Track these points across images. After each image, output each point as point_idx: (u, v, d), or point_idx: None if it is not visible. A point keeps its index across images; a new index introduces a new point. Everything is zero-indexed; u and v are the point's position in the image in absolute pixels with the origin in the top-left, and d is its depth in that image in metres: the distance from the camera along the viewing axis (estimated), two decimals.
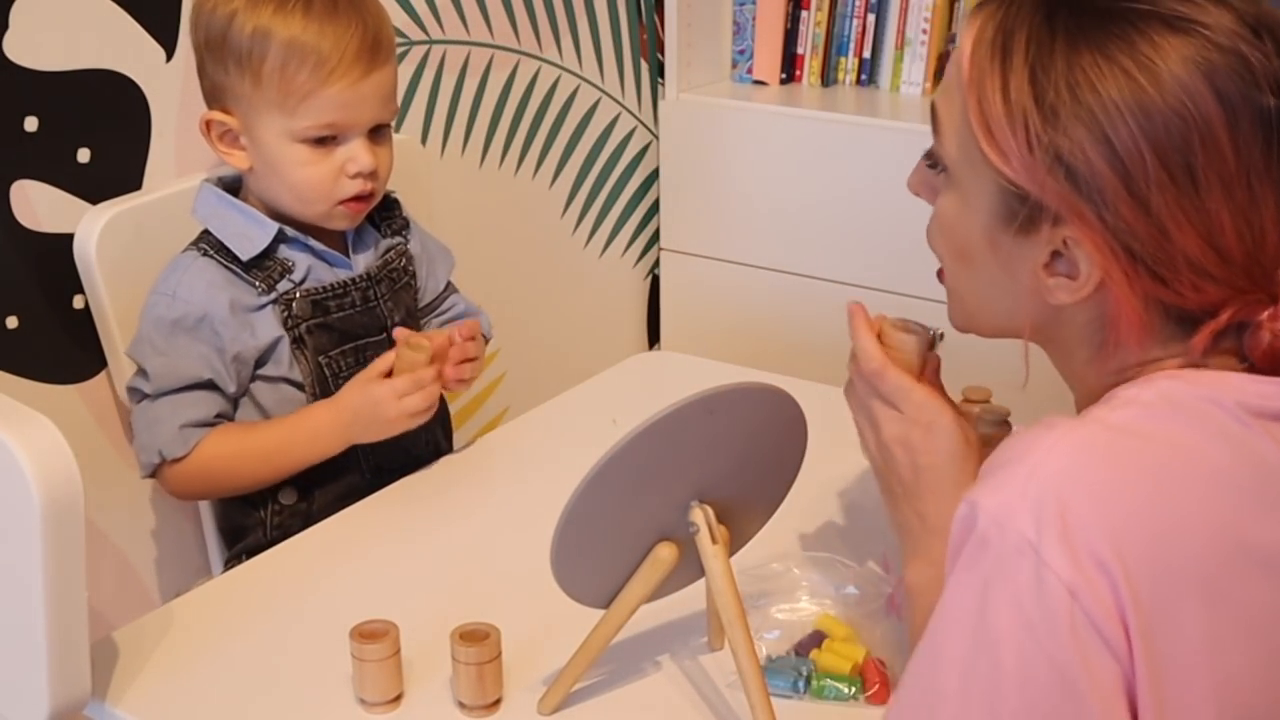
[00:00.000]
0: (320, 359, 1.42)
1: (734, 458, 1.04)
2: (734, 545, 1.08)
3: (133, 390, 1.42)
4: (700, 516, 1.03)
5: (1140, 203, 0.88)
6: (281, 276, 1.41)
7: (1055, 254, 0.93)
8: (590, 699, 1.09)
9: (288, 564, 1.30)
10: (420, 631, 1.12)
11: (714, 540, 1.03)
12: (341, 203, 1.41)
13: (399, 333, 1.43)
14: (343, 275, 1.45)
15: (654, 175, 2.44)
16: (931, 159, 1.01)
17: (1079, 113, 0.88)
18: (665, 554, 1.04)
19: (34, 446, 1.00)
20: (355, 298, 1.45)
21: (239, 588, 1.28)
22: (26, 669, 1.04)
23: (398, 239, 1.52)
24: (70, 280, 1.49)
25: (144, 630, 1.19)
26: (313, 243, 1.43)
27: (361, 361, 1.44)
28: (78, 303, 1.51)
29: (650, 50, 2.40)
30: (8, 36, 1.41)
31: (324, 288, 1.43)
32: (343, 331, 1.44)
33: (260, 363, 1.42)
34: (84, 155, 1.51)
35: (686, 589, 1.10)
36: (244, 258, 1.40)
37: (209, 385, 1.39)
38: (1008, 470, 0.85)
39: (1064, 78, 0.88)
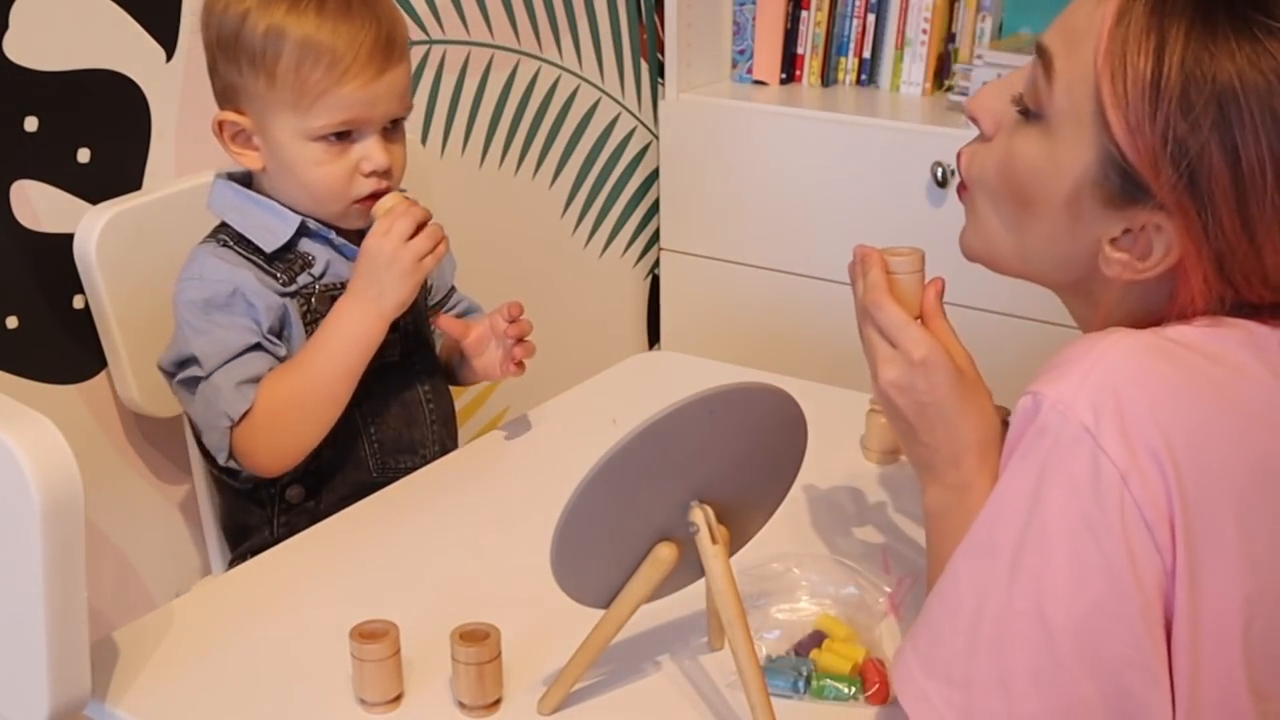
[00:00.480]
0: None
1: (734, 458, 1.04)
2: (734, 545, 1.08)
3: (188, 381, 1.39)
4: (700, 516, 1.03)
5: (1246, 220, 0.89)
6: (301, 270, 1.40)
7: (1127, 230, 0.94)
8: (590, 699, 1.09)
9: (288, 563, 1.30)
10: (420, 631, 1.12)
11: (714, 540, 1.03)
12: (357, 202, 1.40)
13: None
14: None
15: (654, 175, 2.44)
16: (1023, 104, 1.00)
17: (1220, 120, 0.88)
18: (665, 554, 1.04)
19: (34, 446, 1.00)
20: None
21: (239, 588, 1.28)
22: (26, 669, 1.04)
23: None
24: (70, 280, 1.49)
25: (144, 630, 1.19)
26: (334, 236, 1.42)
27: (377, 359, 1.42)
28: (78, 303, 1.51)
29: (650, 50, 2.40)
30: (8, 36, 1.41)
31: (342, 283, 1.42)
32: None
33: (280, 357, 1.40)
34: (84, 155, 1.51)
35: (686, 589, 1.10)
36: (268, 250, 1.39)
37: (256, 347, 1.37)
38: (1068, 365, 0.88)
39: (1213, 81, 0.88)
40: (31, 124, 1.45)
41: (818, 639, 1.12)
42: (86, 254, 1.46)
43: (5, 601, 1.05)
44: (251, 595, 1.26)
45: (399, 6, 1.42)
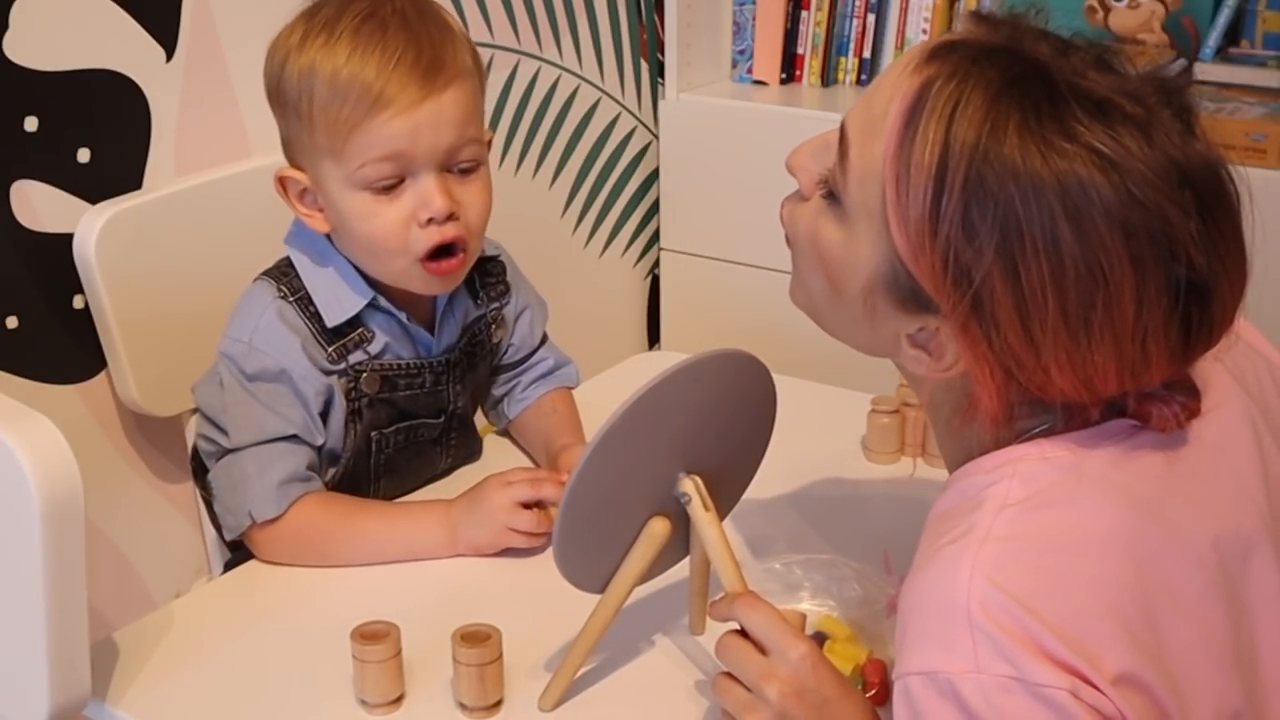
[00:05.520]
0: (372, 433, 1.34)
1: (714, 425, 1.06)
2: (720, 514, 1.08)
3: (207, 441, 1.34)
4: (690, 486, 1.04)
5: (1030, 340, 0.87)
6: (356, 346, 1.30)
7: (922, 329, 0.93)
8: (588, 689, 1.09)
9: (288, 565, 1.30)
10: (421, 633, 1.12)
11: (706, 507, 1.04)
12: (422, 260, 1.25)
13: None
14: (421, 354, 1.35)
15: (654, 175, 2.44)
16: (826, 186, 0.97)
17: (1001, 245, 0.85)
18: (659, 528, 1.05)
19: (34, 446, 1.00)
20: (426, 379, 1.35)
21: (239, 588, 1.28)
22: (26, 669, 1.04)
23: (494, 305, 1.43)
24: (70, 280, 1.48)
25: (144, 630, 1.19)
26: (404, 318, 1.32)
27: (413, 439, 1.38)
28: (78, 303, 1.51)
29: (650, 50, 2.40)
30: (8, 36, 1.41)
31: (397, 365, 1.33)
32: (403, 410, 1.35)
33: None
34: (84, 155, 1.50)
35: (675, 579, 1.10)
36: (328, 323, 1.29)
37: (293, 439, 1.28)
38: (939, 624, 0.84)
39: (996, 208, 0.85)
40: (31, 124, 1.45)
41: (819, 640, 1.12)
42: (86, 254, 1.46)
43: (5, 601, 1.05)
44: (252, 596, 1.26)
45: (455, 25, 1.28)
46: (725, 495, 1.10)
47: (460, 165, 1.26)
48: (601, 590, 1.07)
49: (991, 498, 0.89)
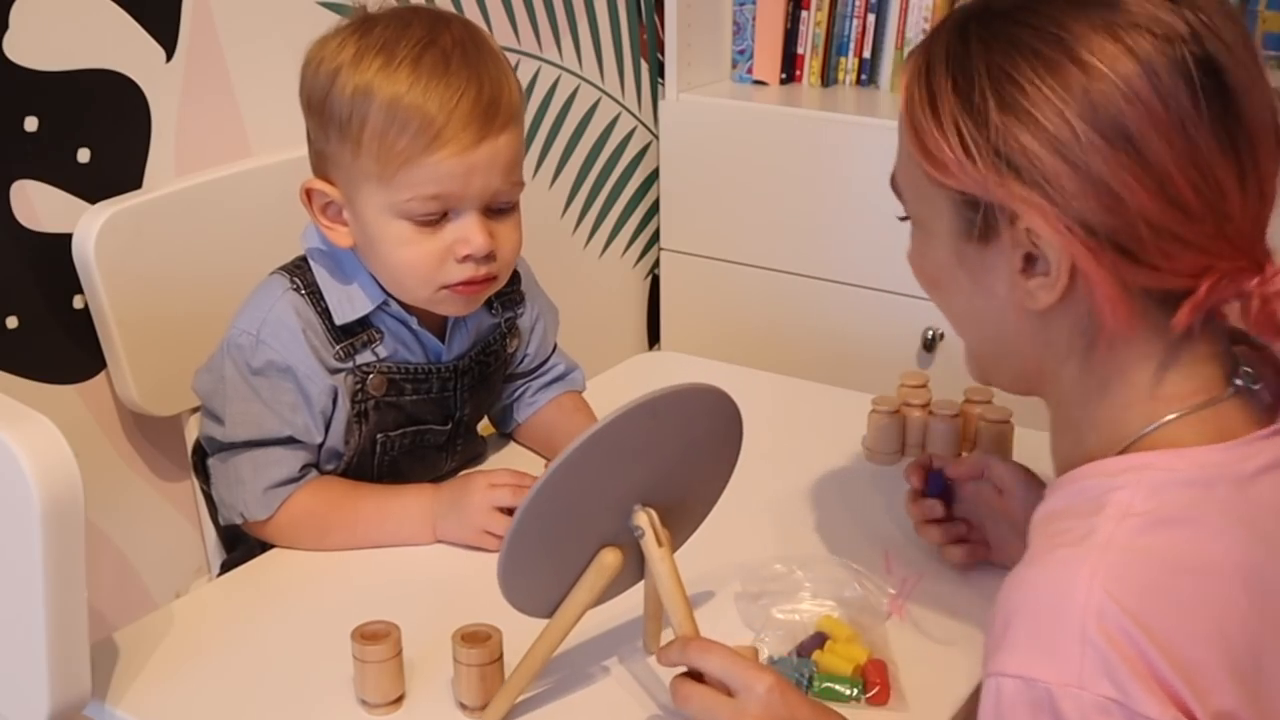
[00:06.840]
0: (378, 435, 1.34)
1: (674, 459, 1.04)
2: (674, 544, 1.07)
3: (208, 439, 1.34)
4: (644, 520, 1.03)
5: (1082, 171, 0.88)
6: (364, 346, 1.30)
7: (1027, 256, 0.92)
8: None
9: (288, 564, 1.30)
10: (422, 633, 1.12)
11: (659, 543, 1.03)
12: (447, 287, 1.27)
13: None
14: (430, 360, 1.35)
15: (654, 175, 2.44)
16: (906, 219, 1.02)
17: (1003, 104, 0.89)
18: (610, 559, 1.04)
19: (34, 446, 0.99)
20: (434, 385, 1.35)
21: (239, 588, 1.28)
22: (26, 669, 1.04)
23: (508, 314, 1.43)
24: (70, 280, 1.48)
25: (144, 630, 1.19)
26: (414, 324, 1.32)
27: (419, 444, 1.38)
28: (78, 303, 1.51)
29: (650, 50, 2.40)
30: (8, 36, 1.41)
31: (404, 369, 1.33)
32: (409, 414, 1.35)
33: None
34: (84, 155, 1.50)
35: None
36: (338, 321, 1.29)
37: (289, 441, 1.29)
38: (1049, 630, 0.83)
39: (984, 77, 0.90)
40: (31, 124, 1.45)
41: (819, 640, 1.12)
42: (85, 253, 1.46)
43: (5, 601, 1.05)
44: (252, 595, 1.26)
45: (505, 60, 1.27)
46: (680, 526, 1.09)
47: (500, 205, 1.27)
48: (547, 616, 1.06)
49: (1114, 503, 0.88)
